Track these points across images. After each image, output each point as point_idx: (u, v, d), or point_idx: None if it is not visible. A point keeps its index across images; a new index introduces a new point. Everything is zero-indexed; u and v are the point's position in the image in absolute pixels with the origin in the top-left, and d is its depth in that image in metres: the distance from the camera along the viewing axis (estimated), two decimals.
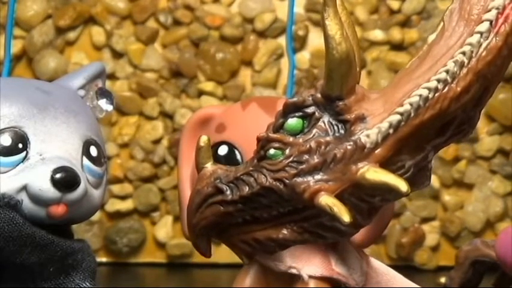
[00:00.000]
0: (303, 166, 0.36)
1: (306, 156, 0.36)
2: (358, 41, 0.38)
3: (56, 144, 0.43)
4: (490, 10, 0.35)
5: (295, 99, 0.37)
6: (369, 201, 0.36)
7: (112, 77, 0.91)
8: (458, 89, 0.35)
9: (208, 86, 0.92)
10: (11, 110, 0.43)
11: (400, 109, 0.35)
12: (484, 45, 0.35)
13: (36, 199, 0.41)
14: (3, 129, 0.42)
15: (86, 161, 0.44)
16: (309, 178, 0.36)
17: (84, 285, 0.44)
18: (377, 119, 0.35)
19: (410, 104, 0.35)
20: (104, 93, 0.48)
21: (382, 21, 0.92)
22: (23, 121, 0.42)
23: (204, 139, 0.40)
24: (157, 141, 0.93)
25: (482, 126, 0.91)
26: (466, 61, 0.35)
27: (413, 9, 0.92)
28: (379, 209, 0.38)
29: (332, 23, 0.35)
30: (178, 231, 0.91)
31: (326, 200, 0.35)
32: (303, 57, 0.92)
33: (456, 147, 0.91)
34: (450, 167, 0.92)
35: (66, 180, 0.42)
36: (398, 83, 0.36)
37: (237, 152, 0.47)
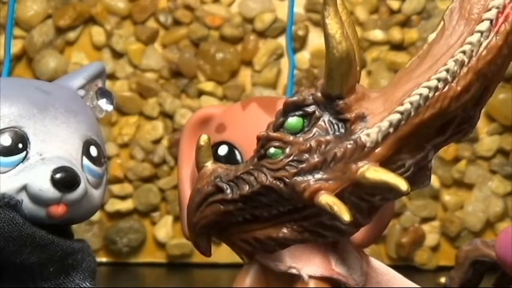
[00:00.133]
0: (303, 165, 0.36)
1: (306, 155, 0.36)
2: (359, 41, 0.38)
3: (56, 144, 0.43)
4: (490, 9, 0.35)
5: (295, 98, 0.37)
6: (369, 200, 0.36)
7: (112, 77, 0.91)
8: (459, 88, 0.35)
9: (208, 86, 0.92)
10: (11, 110, 0.43)
11: (401, 108, 0.35)
12: (484, 44, 0.35)
13: (36, 199, 0.41)
14: (3, 129, 0.42)
15: (86, 161, 0.44)
16: (309, 177, 0.36)
17: (84, 285, 0.44)
18: (377, 118, 0.36)
19: (411, 103, 0.35)
20: (104, 93, 0.48)
21: (382, 21, 0.92)
22: (23, 121, 0.42)
23: (204, 138, 0.40)
24: (157, 141, 0.93)
25: (482, 126, 0.91)
26: (466, 60, 0.35)
27: (413, 9, 0.92)
28: (379, 208, 0.38)
29: (332, 22, 0.35)
30: (178, 231, 0.91)
31: (326, 199, 0.35)
32: (303, 57, 0.92)
33: (456, 147, 0.91)
34: (450, 167, 0.92)
35: (66, 180, 0.42)
36: (399, 82, 0.36)
37: (237, 152, 0.47)
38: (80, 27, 0.93)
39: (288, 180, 0.36)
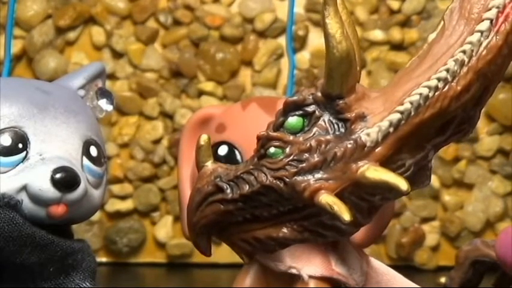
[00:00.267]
0: (303, 165, 0.36)
1: (306, 155, 0.36)
2: (359, 40, 0.38)
3: (56, 144, 0.43)
4: (490, 9, 0.35)
5: (295, 97, 0.37)
6: (369, 200, 0.36)
7: (112, 77, 0.91)
8: (459, 87, 0.35)
9: (208, 86, 0.92)
10: (11, 110, 0.43)
11: (401, 108, 0.35)
12: (484, 44, 0.35)
13: (36, 199, 0.41)
14: (3, 129, 0.42)
15: (86, 161, 0.44)
16: (309, 177, 0.36)
17: (84, 285, 0.44)
18: (377, 117, 0.36)
19: (411, 103, 0.35)
20: (104, 93, 0.48)
21: (382, 21, 0.92)
22: (23, 121, 0.42)
23: (204, 138, 0.40)
24: (157, 141, 0.93)
25: (482, 126, 0.91)
26: (466, 60, 0.35)
27: (413, 9, 0.92)
28: (379, 208, 0.38)
29: (332, 21, 0.35)
30: (178, 231, 0.91)
31: (326, 198, 0.35)
32: (303, 57, 0.92)
33: (456, 147, 0.91)
34: (450, 167, 0.92)
35: (66, 180, 0.42)
36: (399, 81, 0.36)
37: (237, 152, 0.47)
38: (80, 27, 0.93)
39: (288, 179, 0.36)
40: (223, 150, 0.47)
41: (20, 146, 0.42)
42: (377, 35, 0.92)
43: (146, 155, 0.92)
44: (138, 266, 0.92)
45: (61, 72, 0.88)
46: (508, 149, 0.91)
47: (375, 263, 0.43)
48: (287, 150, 0.36)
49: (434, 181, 0.90)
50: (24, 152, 0.42)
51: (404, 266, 0.89)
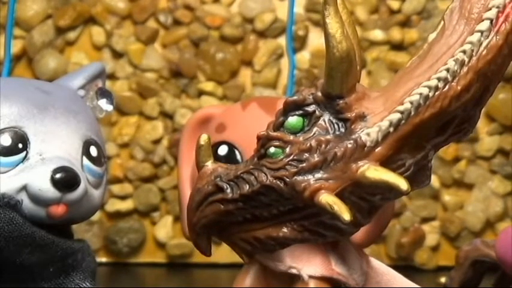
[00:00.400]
0: (303, 164, 0.36)
1: (306, 155, 0.36)
2: (359, 40, 0.38)
3: (56, 144, 0.43)
4: (490, 9, 0.35)
5: (295, 97, 0.37)
6: (369, 200, 0.36)
7: (112, 77, 0.91)
8: (459, 87, 0.35)
9: (208, 86, 0.92)
10: (11, 110, 0.43)
11: (401, 108, 0.35)
12: (484, 44, 0.35)
13: (36, 199, 0.41)
14: (3, 129, 0.42)
15: (86, 161, 0.44)
16: (309, 176, 0.36)
17: (84, 285, 0.44)
18: (377, 117, 0.35)
19: (411, 103, 0.35)
20: (104, 93, 0.48)
21: (382, 21, 0.92)
22: (23, 121, 0.43)
23: (204, 137, 0.40)
24: (157, 141, 0.93)
25: (482, 126, 0.91)
26: (466, 60, 0.35)
27: (413, 9, 0.92)
28: (379, 208, 0.38)
29: (333, 21, 0.35)
30: (178, 231, 0.91)
31: (326, 198, 0.35)
32: (303, 57, 0.92)
33: (456, 147, 0.91)
34: (450, 167, 0.92)
35: (66, 180, 0.42)
36: (399, 81, 0.36)
37: (237, 152, 0.47)
38: (80, 27, 0.93)
39: (288, 179, 0.36)
40: (223, 150, 0.47)
41: (20, 146, 0.42)
42: (377, 35, 0.92)
43: (146, 155, 0.92)
44: (138, 266, 0.92)
45: (61, 72, 0.88)
46: (508, 149, 0.91)
47: (375, 263, 0.43)
48: (287, 150, 0.36)
49: (434, 181, 0.90)
50: (24, 152, 0.42)
51: (404, 266, 0.89)
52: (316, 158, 0.36)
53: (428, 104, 0.35)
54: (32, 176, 0.41)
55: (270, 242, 0.38)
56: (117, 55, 0.93)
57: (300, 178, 0.36)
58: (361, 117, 0.36)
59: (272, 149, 0.37)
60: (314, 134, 0.36)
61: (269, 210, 0.37)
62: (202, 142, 0.39)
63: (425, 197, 0.91)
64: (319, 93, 0.37)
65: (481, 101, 0.36)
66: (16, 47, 0.92)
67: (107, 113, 0.49)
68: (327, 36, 0.35)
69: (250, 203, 0.37)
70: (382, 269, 0.43)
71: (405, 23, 0.92)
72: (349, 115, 0.36)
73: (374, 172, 0.35)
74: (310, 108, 0.37)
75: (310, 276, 0.40)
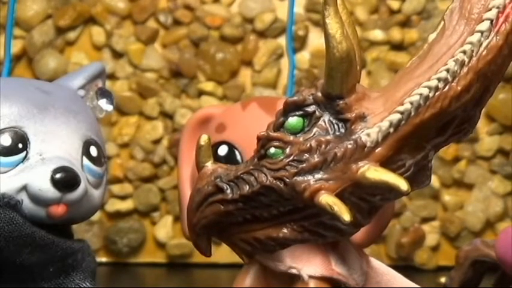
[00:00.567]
0: (303, 165, 0.36)
1: (306, 155, 0.36)
2: (359, 40, 0.38)
3: (56, 144, 0.43)
4: (490, 9, 0.35)
5: (295, 98, 0.37)
6: (369, 201, 0.36)
7: (112, 77, 0.91)
8: (459, 88, 0.35)
9: (208, 86, 0.92)
10: (11, 110, 0.43)
11: (401, 108, 0.35)
12: (484, 44, 0.35)
13: (36, 199, 0.41)
14: (3, 129, 0.42)
15: (86, 161, 0.44)
16: (309, 177, 0.36)
17: (84, 285, 0.44)
18: (377, 118, 0.35)
19: (411, 103, 0.35)
20: (104, 93, 0.48)
21: (382, 21, 0.92)
22: (23, 121, 0.43)
23: (204, 138, 0.40)
24: (157, 141, 0.93)
25: (482, 126, 0.91)
26: (466, 60, 0.35)
27: (413, 9, 0.92)
28: (380, 209, 0.38)
29: (333, 21, 0.35)
30: (178, 231, 0.91)
31: (326, 199, 0.35)
32: (303, 57, 0.92)
33: (456, 147, 0.91)
34: (450, 167, 0.92)
35: (66, 180, 0.42)
36: (399, 81, 0.36)
37: (237, 152, 0.47)
38: (80, 27, 0.93)
39: (288, 180, 0.36)
40: (223, 150, 0.47)
41: (20, 146, 0.42)
42: (377, 35, 0.92)
43: (146, 155, 0.92)
44: (138, 266, 0.92)
45: (61, 72, 0.88)
46: (508, 149, 0.91)
47: (375, 263, 0.43)
48: (287, 150, 0.36)
49: (434, 181, 0.90)
50: (24, 152, 0.42)
51: (404, 266, 0.89)
52: (316, 158, 0.36)
53: (429, 104, 0.35)
54: (32, 176, 0.41)
55: (270, 242, 0.38)
56: (117, 55, 0.93)
57: (300, 179, 0.36)
58: (361, 117, 0.36)
59: (272, 150, 0.37)
60: (314, 134, 0.36)
61: (269, 210, 0.37)
62: (202, 142, 0.39)
63: (425, 197, 0.91)
64: (319, 94, 0.36)
65: (481, 101, 0.36)
66: (16, 47, 0.92)
67: (107, 113, 0.49)
68: (327, 37, 0.35)
69: (250, 203, 0.37)
70: (382, 269, 0.43)
71: (405, 23, 0.92)
72: (349, 115, 0.36)
73: (374, 173, 0.35)
74: (310, 109, 0.37)
75: (310, 276, 0.40)
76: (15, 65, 0.92)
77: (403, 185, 0.34)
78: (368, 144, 0.35)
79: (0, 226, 0.40)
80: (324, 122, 0.36)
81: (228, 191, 0.38)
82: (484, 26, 0.35)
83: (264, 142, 0.37)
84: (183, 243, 0.91)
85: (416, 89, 0.35)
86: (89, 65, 0.50)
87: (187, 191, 0.49)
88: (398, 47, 0.92)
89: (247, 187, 0.37)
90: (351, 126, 0.36)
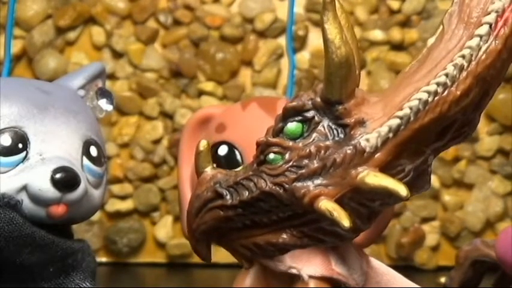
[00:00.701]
0: (303, 171, 0.36)
1: (305, 161, 0.36)
2: (358, 44, 0.38)
3: (56, 144, 0.43)
4: (489, 13, 0.35)
5: (294, 103, 0.37)
6: (368, 206, 0.36)
7: (112, 77, 0.91)
8: (458, 92, 0.35)
9: (208, 86, 0.92)
10: (11, 110, 0.43)
11: (400, 113, 0.35)
12: (483, 48, 0.35)
13: (36, 199, 0.41)
14: (3, 129, 0.42)
15: (86, 161, 0.44)
16: (309, 183, 0.35)
17: (84, 285, 0.44)
18: (377, 123, 0.35)
19: (410, 108, 0.35)
20: (104, 93, 0.48)
21: (382, 21, 0.92)
22: (23, 121, 0.43)
23: (203, 143, 0.39)
24: (157, 141, 0.93)
25: (482, 126, 0.91)
26: (465, 64, 0.35)
27: (413, 9, 0.92)
28: (379, 214, 0.37)
29: (331, 27, 0.35)
30: (178, 231, 0.91)
31: (326, 204, 0.35)
32: (303, 57, 0.92)
33: (456, 147, 0.90)
34: (450, 167, 0.92)
35: (66, 180, 0.42)
36: (398, 86, 0.36)
37: (237, 152, 0.47)
38: (80, 27, 0.93)
39: (287, 186, 0.36)
40: (223, 150, 0.47)
41: (20, 146, 0.42)
42: (377, 35, 0.92)
43: (146, 155, 0.92)
44: (138, 266, 0.92)
45: (61, 72, 0.88)
46: (508, 149, 0.91)
47: (375, 263, 0.43)
48: (286, 156, 0.36)
49: (434, 181, 0.90)
50: (24, 152, 0.42)
51: (404, 266, 0.89)
52: (315, 164, 0.36)
53: (428, 109, 0.35)
54: (32, 176, 0.41)
55: (270, 248, 0.38)
56: (117, 55, 0.93)
57: (299, 184, 0.36)
58: (361, 122, 0.36)
59: (271, 155, 0.37)
60: (313, 139, 0.36)
61: (269, 216, 0.37)
62: (201, 148, 0.39)
63: (425, 197, 0.91)
64: (318, 99, 0.36)
65: (480, 105, 0.36)
66: (16, 47, 0.92)
67: (107, 113, 0.49)
68: (326, 42, 0.35)
69: (250, 209, 0.37)
70: (382, 269, 0.43)
71: (405, 23, 0.92)
72: (349, 121, 0.36)
73: (373, 178, 0.35)
74: (309, 114, 0.36)
75: (310, 276, 0.40)
76: (15, 65, 0.92)
77: (402, 190, 0.34)
78: (367, 149, 0.35)
79: (0, 226, 0.40)
80: (323, 127, 0.36)
81: (228, 196, 0.37)
82: (483, 30, 0.35)
83: (263, 148, 0.37)
84: (183, 243, 0.91)
85: (416, 93, 0.35)
86: (89, 65, 0.50)
87: (187, 191, 0.49)
88: (398, 47, 0.92)
89: (247, 193, 0.37)
90: (350, 131, 0.36)
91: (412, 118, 0.35)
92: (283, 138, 0.37)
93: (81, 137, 0.44)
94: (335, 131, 0.36)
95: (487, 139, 0.92)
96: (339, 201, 0.35)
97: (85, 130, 0.45)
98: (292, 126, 0.37)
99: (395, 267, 0.44)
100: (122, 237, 0.92)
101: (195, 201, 0.39)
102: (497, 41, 0.35)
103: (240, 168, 0.38)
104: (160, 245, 0.93)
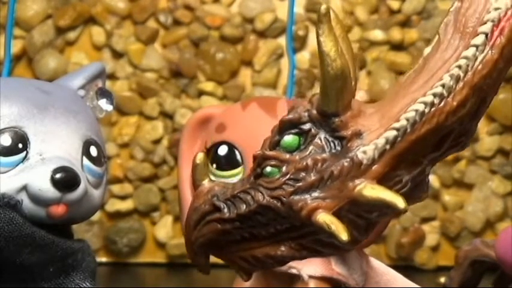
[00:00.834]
0: (300, 184, 0.35)
1: (302, 174, 0.36)
2: (354, 55, 0.38)
3: (56, 144, 0.43)
4: (485, 23, 0.35)
5: (290, 116, 0.36)
6: (366, 217, 0.36)
7: (112, 77, 0.91)
8: (455, 103, 0.35)
9: (208, 86, 0.92)
10: (11, 110, 0.43)
11: (397, 124, 0.35)
12: (479, 58, 0.35)
13: (36, 199, 0.41)
14: (3, 129, 0.42)
15: (86, 161, 0.44)
16: (306, 196, 0.35)
17: (84, 285, 0.44)
18: (373, 134, 0.35)
19: (407, 119, 0.35)
20: (104, 93, 0.48)
21: (382, 21, 0.92)
22: (23, 121, 0.43)
23: (200, 156, 0.39)
24: (157, 141, 0.93)
25: (482, 126, 0.91)
26: (462, 75, 0.35)
27: (413, 9, 0.92)
28: (377, 224, 0.37)
29: (327, 39, 0.35)
30: (178, 231, 0.91)
31: (324, 218, 0.35)
32: (303, 57, 0.92)
33: None
34: (450, 167, 0.92)
35: (66, 180, 0.42)
36: (395, 97, 0.36)
37: (237, 152, 0.47)
38: (80, 27, 0.93)
39: (285, 199, 0.36)
40: (223, 150, 0.47)
41: (20, 146, 0.42)
42: (377, 35, 0.92)
43: (146, 155, 0.92)
44: (138, 266, 0.92)
45: (61, 72, 0.88)
46: (508, 149, 0.91)
47: (375, 263, 0.43)
48: (283, 169, 0.36)
49: (434, 181, 0.91)
50: (24, 152, 0.42)
51: (404, 266, 0.89)
52: (312, 177, 0.35)
53: (425, 120, 0.35)
54: (32, 176, 0.41)
55: (269, 260, 0.38)
56: (117, 55, 0.93)
57: (296, 197, 0.35)
58: (357, 134, 0.35)
59: (268, 169, 0.36)
60: (310, 152, 0.36)
61: (266, 229, 0.37)
62: (197, 161, 0.39)
63: None
64: (314, 111, 0.36)
65: (477, 114, 0.36)
66: (16, 47, 0.92)
67: (107, 113, 0.49)
68: (321, 54, 0.35)
69: (248, 222, 0.37)
70: (381, 269, 0.43)
71: (405, 23, 0.92)
72: (345, 133, 0.35)
73: (371, 190, 0.34)
74: (306, 127, 0.36)
75: (310, 276, 0.40)
76: (15, 65, 0.92)
77: (400, 202, 0.34)
78: (364, 161, 0.35)
79: (0, 226, 0.40)
80: (320, 139, 0.36)
81: (225, 210, 0.37)
82: (479, 40, 0.35)
83: (260, 161, 0.37)
84: (183, 243, 0.90)
85: (412, 104, 0.35)
86: (89, 65, 0.50)
87: (187, 191, 0.49)
88: (398, 47, 0.92)
89: (244, 206, 0.37)
90: (347, 143, 0.35)
91: (409, 129, 0.35)
92: (280, 151, 0.36)
93: (81, 137, 0.44)
94: (332, 144, 0.36)
95: (487, 139, 0.92)
96: (337, 214, 0.35)
97: (85, 130, 0.45)
98: (289, 139, 0.36)
99: (395, 267, 0.44)
100: (122, 237, 0.92)
101: (192, 214, 0.38)
102: (493, 51, 0.35)
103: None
104: (160, 245, 0.93)
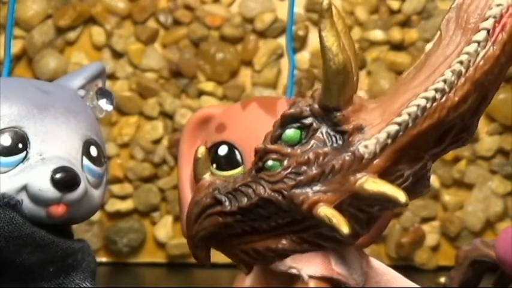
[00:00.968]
0: (301, 177, 0.36)
1: (304, 168, 0.36)
2: (356, 50, 0.38)
3: (56, 144, 0.43)
4: (487, 19, 0.35)
5: (292, 110, 0.37)
6: (367, 211, 0.36)
7: (112, 77, 0.91)
8: (456, 98, 0.35)
9: (208, 86, 0.92)
10: (11, 110, 0.43)
11: (398, 119, 0.35)
12: (481, 54, 0.35)
13: (36, 199, 0.41)
14: (3, 129, 0.42)
15: (86, 161, 0.44)
16: (308, 189, 0.35)
17: (84, 285, 0.44)
18: (375, 129, 0.35)
19: (409, 114, 0.35)
20: (104, 93, 0.48)
21: (382, 21, 0.92)
22: (23, 121, 0.43)
23: (201, 150, 0.39)
24: (157, 141, 0.93)
25: (482, 126, 0.91)
26: (463, 70, 0.35)
27: (413, 9, 0.92)
28: (378, 219, 0.37)
29: (329, 34, 0.35)
30: (178, 231, 0.91)
31: (325, 211, 0.35)
32: (303, 57, 0.92)
33: None
34: (450, 167, 0.92)
35: (66, 180, 0.42)
36: (396, 92, 0.36)
37: (237, 152, 0.47)
38: (80, 27, 0.93)
39: (286, 192, 0.36)
40: (223, 150, 0.47)
41: (20, 146, 0.42)
42: (377, 35, 0.92)
43: (146, 155, 0.92)
44: (138, 266, 0.92)
45: (61, 72, 0.88)
46: (508, 149, 0.91)
47: (375, 263, 0.43)
48: (285, 162, 0.36)
49: (434, 181, 0.90)
50: (24, 152, 0.42)
51: (404, 266, 0.89)
52: (314, 170, 0.35)
53: (426, 115, 0.35)
54: (32, 176, 0.41)
55: (269, 253, 0.38)
56: (117, 55, 0.93)
57: (298, 191, 0.35)
58: (359, 129, 0.35)
59: (270, 162, 0.36)
60: (312, 146, 0.36)
61: (268, 222, 0.37)
62: (199, 155, 0.39)
63: (425, 197, 0.91)
64: (316, 106, 0.36)
65: (478, 110, 0.36)
66: (16, 47, 0.92)
67: (107, 113, 0.49)
68: (323, 49, 0.35)
69: (249, 215, 0.37)
70: (382, 269, 0.43)
71: (405, 23, 0.92)
72: (347, 127, 0.36)
73: (372, 184, 0.34)
74: (308, 121, 0.36)
75: (310, 276, 0.40)
76: (15, 65, 0.92)
77: (401, 196, 0.34)
78: (366, 155, 0.35)
79: (0, 226, 0.40)
80: (322, 134, 0.36)
81: (227, 203, 0.37)
82: (481, 35, 0.35)
83: (261, 154, 0.37)
84: (183, 243, 0.90)
85: (414, 99, 0.35)
86: (89, 65, 0.50)
87: (187, 191, 0.49)
88: (398, 47, 0.92)
89: (246, 199, 0.37)
90: (348, 138, 0.35)
91: (410, 124, 0.35)
92: (282, 145, 0.36)
93: (81, 137, 0.44)
94: (333, 138, 0.36)
95: (487, 139, 0.92)
96: (338, 208, 0.35)
97: (85, 130, 0.45)
98: (291, 132, 0.36)
99: (395, 267, 0.44)
100: (122, 237, 0.92)
101: (194, 207, 0.39)
102: (495, 47, 0.35)
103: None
104: (160, 245, 0.93)
